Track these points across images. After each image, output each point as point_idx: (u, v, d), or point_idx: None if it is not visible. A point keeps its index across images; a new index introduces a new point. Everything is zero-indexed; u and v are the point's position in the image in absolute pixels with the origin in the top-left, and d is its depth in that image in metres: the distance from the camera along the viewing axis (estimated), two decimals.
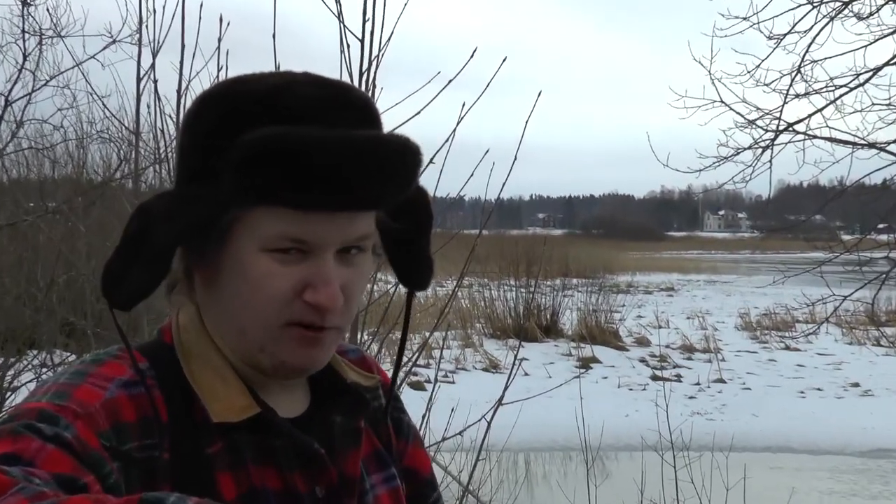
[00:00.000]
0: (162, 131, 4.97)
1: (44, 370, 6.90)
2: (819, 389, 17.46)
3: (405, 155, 1.37)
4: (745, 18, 7.96)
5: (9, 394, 6.62)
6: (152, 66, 4.78)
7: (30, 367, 7.15)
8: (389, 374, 1.66)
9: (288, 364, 1.39)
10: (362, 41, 4.28)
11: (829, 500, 11.34)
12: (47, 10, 6.33)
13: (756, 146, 8.04)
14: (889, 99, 7.89)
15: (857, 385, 17.67)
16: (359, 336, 4.55)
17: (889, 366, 18.61)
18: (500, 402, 4.74)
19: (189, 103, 1.58)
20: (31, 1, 6.14)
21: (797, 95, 7.93)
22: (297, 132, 1.31)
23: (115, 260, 1.35)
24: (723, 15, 8.17)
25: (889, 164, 7.87)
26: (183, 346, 1.43)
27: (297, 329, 1.36)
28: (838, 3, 7.73)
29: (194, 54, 4.60)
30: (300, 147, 1.30)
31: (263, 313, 1.36)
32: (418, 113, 4.13)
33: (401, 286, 1.56)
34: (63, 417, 1.24)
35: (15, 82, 6.21)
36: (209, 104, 1.41)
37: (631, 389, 16.72)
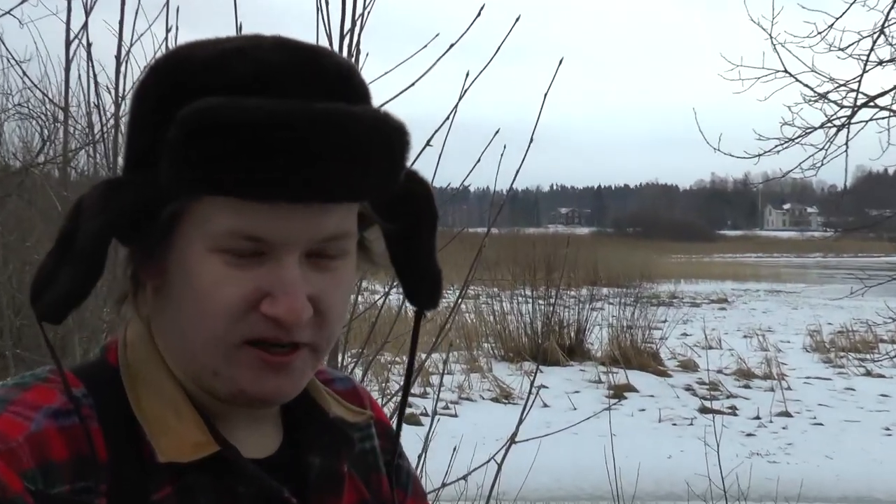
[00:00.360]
0: (97, 106, 4.93)
1: None
2: None
3: (383, 133, 1.35)
4: None
5: None
6: (84, 26, 4.76)
7: None
8: (386, 410, 1.65)
9: (248, 393, 1.37)
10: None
11: None
12: None
13: (829, 125, 8.06)
14: None
15: None
16: (339, 358, 4.54)
17: None
18: (512, 440, 4.75)
19: (132, 72, 1.60)
20: None
21: (880, 62, 7.94)
22: (242, 103, 1.28)
23: (46, 264, 1.35)
24: None
25: None
26: (129, 369, 1.42)
27: (256, 350, 1.34)
28: None
29: (137, 12, 4.60)
30: (244, 121, 1.27)
31: (214, 329, 1.34)
32: (413, 84, 4.13)
33: (401, 304, 1.54)
34: None
35: None
36: (157, 74, 1.40)
37: (675, 424, 16.69)
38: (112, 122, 4.62)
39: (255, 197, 1.29)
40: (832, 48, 8.08)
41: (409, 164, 1.42)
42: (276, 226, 1.31)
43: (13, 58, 6.07)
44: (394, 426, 1.65)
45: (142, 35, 4.60)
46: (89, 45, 4.76)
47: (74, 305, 1.35)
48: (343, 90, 1.37)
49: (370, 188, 1.36)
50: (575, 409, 15.73)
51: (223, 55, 1.36)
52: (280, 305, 1.31)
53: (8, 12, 6.05)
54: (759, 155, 8.43)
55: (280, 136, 1.27)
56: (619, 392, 18.83)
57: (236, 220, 1.30)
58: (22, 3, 5.91)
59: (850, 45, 8.09)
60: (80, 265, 1.33)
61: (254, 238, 1.31)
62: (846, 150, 8.10)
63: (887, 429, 17.03)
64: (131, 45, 4.60)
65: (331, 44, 4.07)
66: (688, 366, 21.35)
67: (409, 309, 1.57)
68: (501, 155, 4.52)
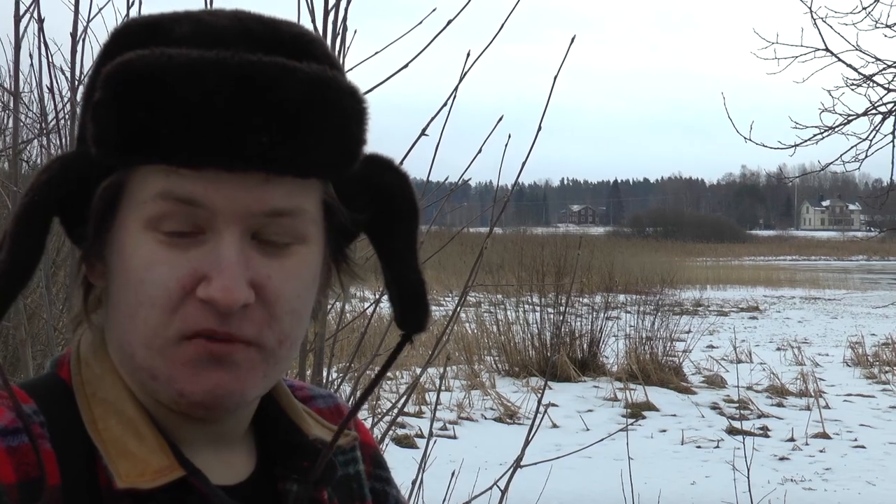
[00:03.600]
0: (50, 90, 4.94)
1: None
2: None
3: (328, 93, 1.35)
4: None
5: None
6: (36, 2, 4.76)
7: None
8: (376, 431, 1.65)
9: (186, 394, 1.35)
10: None
11: None
12: None
13: (874, 111, 8.07)
14: None
15: None
16: (325, 373, 4.54)
17: None
18: (518, 464, 4.76)
19: (91, 52, 1.60)
20: None
21: None
22: (163, 52, 1.29)
23: None
24: None
25: None
26: (84, 386, 1.42)
27: (191, 344, 1.33)
28: None
29: None
30: (165, 72, 1.28)
31: (148, 322, 1.33)
32: (406, 65, 4.13)
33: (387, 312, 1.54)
34: None
35: None
36: (103, 46, 1.42)
37: (699, 447, 16.72)
38: (69, 108, 4.61)
39: (183, 162, 1.29)
40: (878, 25, 8.10)
41: (367, 137, 1.41)
42: (210, 191, 1.31)
43: None
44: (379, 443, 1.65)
45: (102, 9, 4.60)
46: (41, 20, 4.74)
47: (8, 300, 1.36)
48: (296, 53, 1.36)
49: (318, 159, 1.35)
50: (588, 429, 15.76)
51: (168, 18, 1.38)
52: (214, 285, 1.30)
53: None
54: (796, 145, 8.43)
55: (207, 87, 1.27)
56: (637, 411, 18.85)
57: (167, 184, 1.31)
58: None
59: None
60: (5, 253, 1.34)
61: (186, 200, 1.31)
62: (893, 140, 8.10)
63: None
64: (89, 20, 4.59)
65: (313, 20, 4.07)
66: (714, 382, 21.37)
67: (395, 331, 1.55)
68: (506, 145, 4.52)
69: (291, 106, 1.30)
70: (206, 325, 1.31)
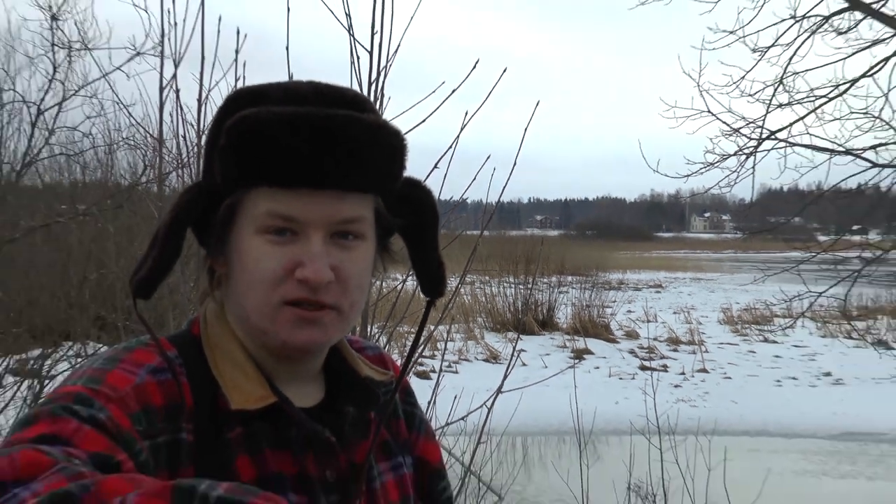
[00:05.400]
0: (184, 138, 4.93)
1: (78, 360, 6.90)
2: (794, 378, 17.47)
3: (381, 134, 1.35)
4: (731, 32, 7.97)
5: (46, 382, 6.62)
6: (174, 76, 4.74)
7: (65, 357, 7.16)
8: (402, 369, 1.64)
9: (288, 344, 1.37)
10: (371, 52, 4.27)
11: (801, 479, 11.38)
12: (75, 23, 6.34)
13: (740, 153, 8.05)
14: (866, 108, 7.90)
15: (829, 374, 17.67)
16: (368, 329, 4.54)
17: (859, 357, 18.58)
18: (499, 391, 4.74)
19: (210, 111, 1.61)
20: (60, 15, 6.15)
21: (779, 105, 7.95)
22: (268, 110, 1.30)
23: (142, 257, 1.38)
24: (711, 29, 8.19)
25: (864, 170, 7.87)
26: (208, 339, 1.43)
27: (292, 309, 1.34)
28: (819, 18, 7.74)
29: (213, 65, 4.58)
30: (271, 121, 1.29)
31: (260, 294, 1.35)
32: (422, 122, 4.12)
33: (414, 287, 1.53)
34: (97, 400, 1.24)
35: (46, 92, 6.23)
36: (222, 106, 1.42)
37: (621, 379, 16.68)
38: (195, 149, 4.62)
39: (283, 184, 1.31)
40: (744, 94, 8.09)
41: (408, 166, 1.41)
42: (301, 207, 1.32)
43: (122, 102, 6.07)
44: (405, 376, 1.64)
45: (217, 83, 4.60)
46: (178, 91, 4.75)
47: (157, 282, 1.37)
48: (353, 106, 1.37)
49: (374, 180, 1.36)
50: (546, 367, 15.70)
51: (266, 87, 1.39)
52: (308, 269, 1.32)
53: (118, 68, 6.06)
54: (688, 175, 8.42)
55: (299, 133, 1.29)
56: (580, 354, 18.84)
57: (272, 204, 1.32)
58: (129, 60, 5.92)
59: (757, 92, 8.09)
60: (157, 250, 1.35)
61: (286, 217, 1.33)
62: (753, 173, 8.08)
63: (778, 381, 17.15)
64: (209, 90, 4.58)
65: (360, 89, 4.07)
66: (631, 335, 21.35)
67: (422, 298, 1.54)
68: (491, 175, 4.52)
69: (356, 144, 1.31)
70: (302, 295, 1.33)
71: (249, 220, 1.35)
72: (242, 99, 1.39)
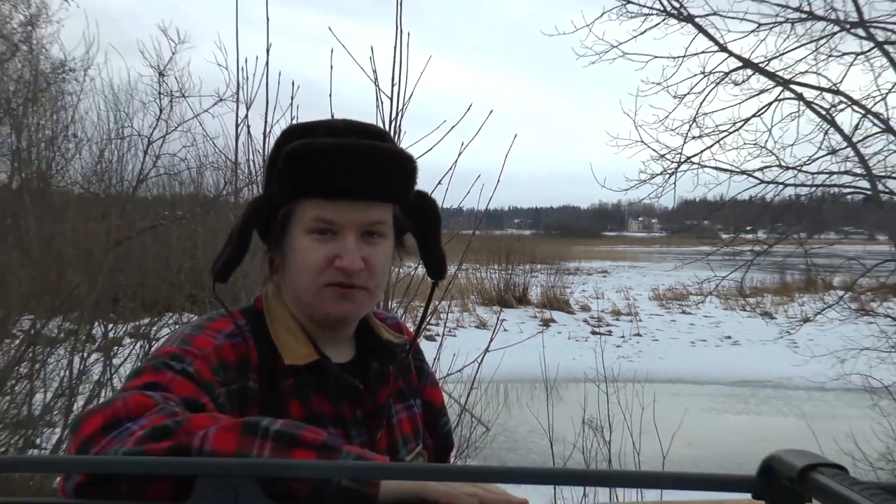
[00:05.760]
0: (253, 162, 4.99)
1: (175, 326, 6.91)
2: (704, 340, 17.55)
3: (397, 159, 1.35)
4: (658, 83, 7.93)
5: (153, 342, 6.65)
6: (246, 116, 4.78)
7: (166, 324, 7.18)
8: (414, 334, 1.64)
9: (330, 315, 1.37)
10: (392, 99, 4.29)
11: (708, 415, 11.48)
12: (175, 78, 6.41)
13: (665, 173, 8.02)
14: (755, 140, 7.93)
15: (729, 337, 17.77)
16: (389, 304, 4.54)
17: (750, 324, 18.52)
18: (487, 350, 4.74)
19: (272, 141, 1.62)
20: (165, 72, 6.22)
21: (693, 137, 7.93)
22: (317, 141, 1.31)
23: (221, 249, 1.37)
24: (643, 81, 8.18)
25: (754, 185, 7.86)
26: (268, 311, 1.41)
27: (332, 289, 1.35)
28: (721, 73, 7.75)
29: (274, 108, 4.61)
30: (315, 151, 1.30)
31: (309, 278, 1.35)
32: (429, 150, 4.13)
33: (423, 273, 1.52)
34: (187, 357, 1.25)
35: (154, 128, 6.30)
36: (279, 138, 1.42)
37: (577, 341, 16.70)
38: (261, 171, 4.64)
39: (325, 197, 1.32)
40: (667, 129, 8.07)
41: (419, 184, 1.41)
42: (340, 213, 1.33)
43: (208, 136, 6.12)
44: (416, 340, 1.64)
45: (277, 121, 4.63)
46: (249, 126, 4.78)
47: (231, 270, 1.36)
48: (378, 136, 1.39)
49: (393, 193, 1.37)
50: (521, 332, 15.69)
51: (311, 124, 1.39)
52: (345, 260, 1.32)
53: (205, 111, 6.09)
54: (626, 189, 8.39)
55: (338, 158, 1.30)
56: (546, 323, 18.86)
57: (317, 211, 1.33)
58: (213, 105, 5.92)
59: (677, 127, 8.06)
60: (231, 246, 1.34)
61: (327, 221, 1.33)
62: (674, 187, 8.06)
63: (692, 342, 17.25)
64: (272, 125, 4.62)
65: (384, 126, 4.07)
66: (585, 308, 21.36)
67: (428, 280, 1.53)
68: (481, 189, 4.57)
69: (379, 166, 1.32)
70: (339, 279, 1.34)
71: (300, 224, 1.34)
72: (294, 132, 1.39)
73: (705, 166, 7.97)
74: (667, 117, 8.04)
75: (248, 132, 4.82)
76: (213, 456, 1.01)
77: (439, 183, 4.24)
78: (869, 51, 7.37)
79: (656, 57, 7.85)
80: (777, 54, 7.66)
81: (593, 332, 17.73)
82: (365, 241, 1.35)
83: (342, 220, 1.33)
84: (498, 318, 5.61)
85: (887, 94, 7.43)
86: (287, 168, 1.32)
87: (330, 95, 4.34)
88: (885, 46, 7.26)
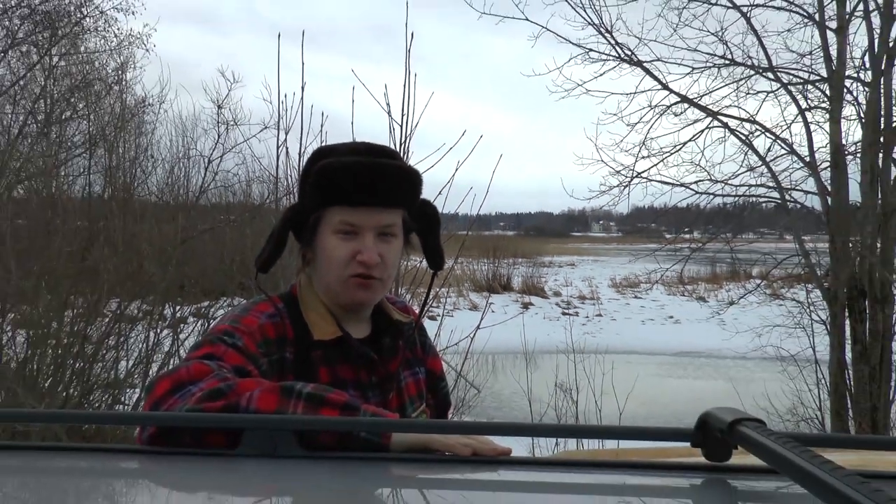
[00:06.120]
0: (291, 177, 4.97)
1: (229, 308, 6.90)
2: (652, 320, 17.53)
3: (406, 174, 1.35)
4: (615, 114, 7.92)
5: (211, 320, 6.65)
6: (285, 140, 4.75)
7: (221, 307, 7.17)
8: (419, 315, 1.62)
9: (354, 300, 1.36)
10: (402, 126, 4.28)
11: (655, 380, 11.49)
12: (230, 109, 6.42)
13: (620, 185, 8.00)
14: (691, 159, 7.97)
15: (672, 317, 17.76)
16: (399, 290, 4.53)
17: (689, 307, 18.52)
18: (478, 327, 4.75)
19: (304, 160, 1.61)
20: (222, 105, 6.23)
21: (643, 157, 7.90)
22: (342, 159, 1.30)
23: (263, 246, 1.37)
24: (603, 112, 8.19)
25: (690, 196, 7.85)
26: (301, 297, 1.40)
27: (355, 279, 1.34)
28: (664, 106, 7.75)
29: (308, 132, 4.60)
30: (344, 167, 1.29)
31: (336, 271, 1.34)
32: (431, 167, 4.13)
33: (426, 266, 1.51)
34: (237, 333, 1.25)
35: (213, 150, 6.28)
36: (310, 157, 1.41)
37: (550, 320, 16.69)
38: (297, 183, 4.65)
39: (351, 205, 1.31)
40: (623, 150, 8.04)
41: (423, 194, 1.40)
42: (361, 218, 1.32)
43: (255, 155, 6.13)
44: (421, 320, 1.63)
45: (311, 143, 4.62)
46: (287, 148, 4.77)
47: (272, 263, 1.35)
48: (392, 155, 1.38)
49: (403, 201, 1.36)
50: (506, 313, 15.63)
51: (336, 145, 1.38)
52: (365, 255, 1.31)
53: (254, 136, 6.08)
54: (590, 198, 8.36)
55: (360, 173, 1.29)
56: (526, 305, 18.85)
57: (342, 216, 1.32)
58: (260, 131, 5.90)
59: (630, 149, 8.03)
60: (272, 243, 1.35)
61: (351, 224, 1.32)
62: (628, 197, 8.06)
63: (643, 321, 17.20)
64: (306, 146, 4.61)
65: (395, 148, 4.07)
66: (557, 293, 21.35)
67: (429, 271, 1.52)
68: (473, 199, 4.55)
69: (392, 180, 1.32)
70: (360, 271, 1.33)
71: (328, 226, 1.33)
72: (322, 152, 1.38)
73: (652, 180, 7.95)
74: (622, 141, 8.02)
75: (287, 153, 4.81)
76: (257, 413, 1.01)
77: (439, 193, 4.24)
78: (777, 90, 7.56)
79: (613, 93, 7.83)
80: (707, 91, 7.71)
81: (563, 313, 17.73)
82: (381, 239, 1.34)
83: (362, 223, 1.32)
84: (487, 302, 5.61)
85: (791, 123, 7.58)
86: (319, 182, 1.31)
87: (352, 123, 4.35)
88: (789, 87, 7.43)
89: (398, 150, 4.11)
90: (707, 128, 7.73)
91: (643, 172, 7.95)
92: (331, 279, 1.35)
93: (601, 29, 7.47)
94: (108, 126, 8.22)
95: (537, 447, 5.74)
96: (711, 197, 7.88)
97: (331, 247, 1.33)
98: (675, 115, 7.84)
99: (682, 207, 8.25)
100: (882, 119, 6.92)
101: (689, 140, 7.85)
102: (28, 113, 9.71)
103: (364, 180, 1.29)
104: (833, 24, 7.13)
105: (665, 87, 7.63)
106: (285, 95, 4.74)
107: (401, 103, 4.25)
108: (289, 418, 0.97)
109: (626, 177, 7.92)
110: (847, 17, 7.06)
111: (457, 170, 4.28)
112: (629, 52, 7.54)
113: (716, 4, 7.46)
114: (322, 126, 4.54)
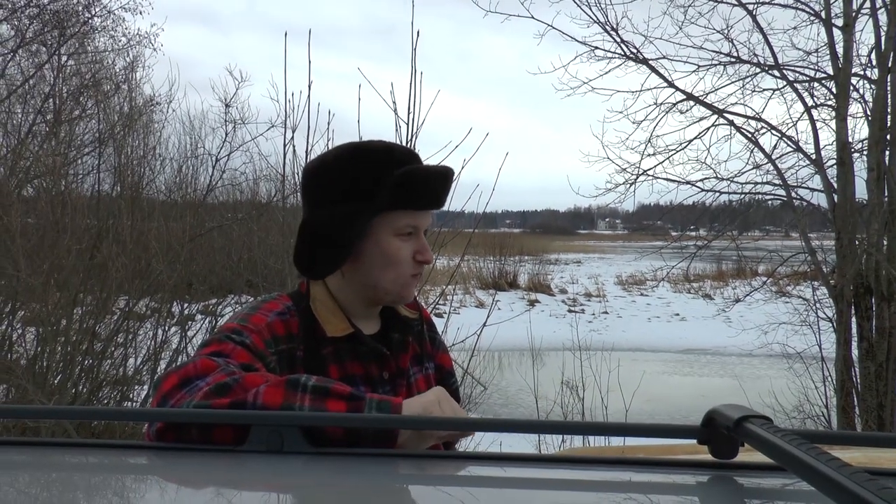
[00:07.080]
0: (298, 175, 4.97)
1: (237, 306, 6.91)
2: (658, 317, 17.48)
3: (451, 178, 1.38)
4: (620, 112, 7.89)
5: (219, 318, 6.66)
6: (292, 138, 4.75)
7: (229, 304, 7.19)
8: (428, 311, 1.63)
9: (405, 298, 1.39)
10: (408, 124, 4.27)
11: (661, 377, 11.44)
12: (237, 108, 6.43)
13: (626, 183, 7.97)
14: (697, 156, 7.94)
15: (678, 314, 17.70)
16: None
17: (695, 304, 18.54)
18: (485, 324, 4.74)
19: (311, 159, 1.59)
20: (229, 104, 6.24)
21: (649, 154, 7.89)
22: (417, 167, 1.32)
23: (302, 250, 1.35)
24: (609, 110, 8.18)
25: (696, 193, 7.83)
26: (312, 294, 1.40)
27: (413, 278, 1.38)
28: (670, 104, 7.71)
29: (315, 131, 4.59)
30: (420, 175, 1.31)
31: (399, 270, 1.35)
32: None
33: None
34: (245, 332, 1.25)
35: (221, 148, 6.29)
36: (347, 158, 1.35)
37: (557, 317, 16.68)
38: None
39: (418, 208, 1.34)
40: (628, 148, 8.03)
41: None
42: (421, 220, 1.36)
43: (262, 154, 6.13)
44: (425, 316, 1.63)
45: (317, 141, 4.61)
46: (294, 146, 4.76)
47: (332, 272, 1.36)
48: (420, 159, 1.39)
49: (444, 202, 1.40)
50: (513, 311, 15.69)
51: (386, 148, 1.36)
52: (426, 255, 1.36)
53: (261, 134, 6.09)
54: (596, 196, 8.34)
55: (433, 181, 1.32)
56: (532, 303, 18.82)
57: (409, 220, 1.34)
58: (267, 130, 5.91)
59: (636, 147, 8.03)
60: (338, 250, 1.34)
61: (414, 226, 1.35)
62: (634, 194, 8.04)
63: (648, 319, 17.14)
64: (312, 146, 4.60)
65: (401, 144, 4.07)
66: (563, 291, 21.33)
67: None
68: (479, 197, 4.53)
69: (447, 185, 1.36)
70: (420, 270, 1.37)
71: (389, 228, 1.34)
72: (377, 152, 1.35)
73: (658, 178, 7.93)
74: (627, 138, 8.00)
75: (294, 151, 4.81)
76: (263, 408, 1.02)
77: None
78: (783, 88, 7.51)
79: (618, 91, 7.82)
80: (713, 89, 7.68)
81: (569, 311, 17.71)
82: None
83: (421, 225, 1.37)
84: (493, 300, 5.59)
85: (797, 121, 7.52)
86: (401, 186, 1.31)
87: (358, 121, 4.34)
88: (795, 84, 7.38)
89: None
90: (713, 125, 7.70)
91: (649, 170, 7.93)
92: (387, 278, 1.36)
93: (607, 27, 7.45)
94: (116, 125, 8.27)
95: (543, 444, 5.74)
96: (717, 194, 7.85)
97: (394, 248, 1.35)
98: (681, 112, 7.82)
99: (688, 205, 8.24)
100: (889, 116, 6.88)
101: (695, 138, 7.83)
102: (37, 112, 9.78)
103: (438, 187, 1.33)
104: (839, 22, 7.09)
105: (671, 84, 7.61)
106: (292, 94, 4.75)
107: (407, 101, 4.25)
108: (295, 414, 0.97)
109: (632, 174, 7.91)
110: (854, 14, 7.02)
111: (463, 167, 4.26)
112: (635, 50, 7.52)
113: (722, 2, 7.43)
114: (329, 124, 4.54)
